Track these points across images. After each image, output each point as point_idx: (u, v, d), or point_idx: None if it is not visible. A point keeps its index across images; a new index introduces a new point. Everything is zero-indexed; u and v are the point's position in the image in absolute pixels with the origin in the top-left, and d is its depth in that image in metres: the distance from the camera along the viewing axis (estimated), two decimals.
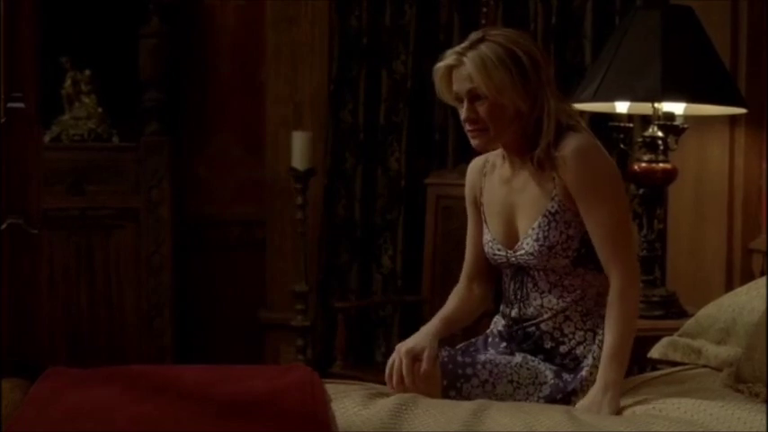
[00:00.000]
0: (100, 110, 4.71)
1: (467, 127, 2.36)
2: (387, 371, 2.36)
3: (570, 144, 2.30)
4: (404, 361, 2.31)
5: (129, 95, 4.59)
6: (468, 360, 2.35)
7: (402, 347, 2.36)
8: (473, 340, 2.53)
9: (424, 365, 2.31)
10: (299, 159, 4.33)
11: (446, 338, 2.46)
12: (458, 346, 2.48)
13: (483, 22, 4.18)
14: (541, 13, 4.06)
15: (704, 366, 2.62)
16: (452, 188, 4.01)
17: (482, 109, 2.30)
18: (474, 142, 2.37)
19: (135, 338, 4.59)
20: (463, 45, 2.32)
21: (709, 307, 2.75)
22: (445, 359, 2.34)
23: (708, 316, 2.71)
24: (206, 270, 4.80)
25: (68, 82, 4.67)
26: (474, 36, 2.32)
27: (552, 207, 2.34)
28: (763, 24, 3.50)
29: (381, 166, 4.51)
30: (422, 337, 2.38)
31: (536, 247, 2.34)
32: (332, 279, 4.60)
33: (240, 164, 4.86)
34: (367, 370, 4.04)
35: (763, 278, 2.73)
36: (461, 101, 2.33)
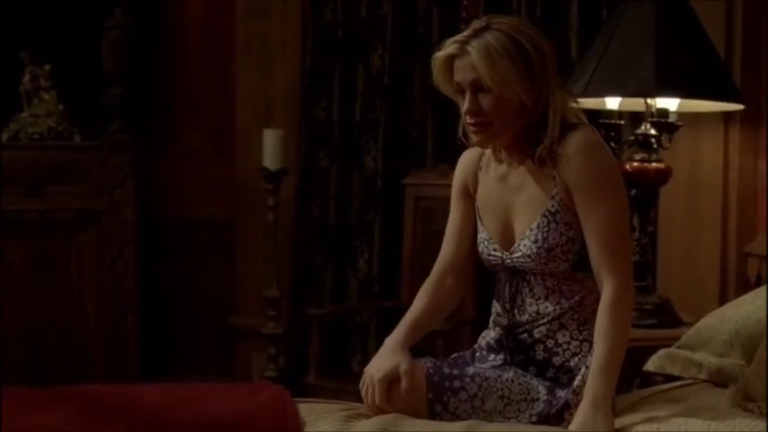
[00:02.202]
0: (60, 107, 4.65)
1: (468, 120, 2.26)
2: (363, 395, 2.26)
3: (574, 141, 2.22)
4: (377, 389, 2.22)
5: (91, 91, 4.56)
6: (455, 372, 2.26)
7: (374, 374, 2.25)
8: (460, 353, 2.43)
9: (404, 385, 2.22)
10: (270, 158, 4.28)
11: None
12: (447, 359, 2.40)
13: (463, 14, 4.13)
14: (525, 5, 3.99)
15: (705, 381, 2.54)
16: (432, 188, 4.01)
17: (485, 101, 2.22)
18: (476, 138, 2.28)
19: (98, 347, 4.54)
20: (466, 33, 2.24)
21: (709, 317, 2.67)
22: (430, 370, 2.25)
23: (709, 327, 2.62)
24: (173, 275, 4.78)
25: (27, 77, 4.62)
26: (477, 24, 2.24)
27: (552, 207, 2.25)
28: (758, 19, 3.47)
29: (357, 166, 4.45)
30: (390, 354, 2.27)
31: (534, 249, 2.26)
32: (305, 284, 4.55)
33: (209, 163, 4.84)
34: (343, 380, 3.97)
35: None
36: (462, 92, 2.26)
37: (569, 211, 2.24)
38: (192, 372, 4.60)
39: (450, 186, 4.26)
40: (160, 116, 4.80)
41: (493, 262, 2.34)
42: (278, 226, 4.39)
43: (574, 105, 2.28)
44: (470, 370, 2.27)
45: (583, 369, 2.24)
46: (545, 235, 2.24)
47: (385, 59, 4.35)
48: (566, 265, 2.25)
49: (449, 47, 2.24)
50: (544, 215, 2.25)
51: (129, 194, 4.51)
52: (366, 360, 4.24)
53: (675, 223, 3.62)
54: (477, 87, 2.22)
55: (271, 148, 4.28)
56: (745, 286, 3.41)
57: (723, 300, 3.45)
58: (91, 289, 4.53)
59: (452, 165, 4.02)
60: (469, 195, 2.40)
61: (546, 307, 2.28)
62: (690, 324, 3.14)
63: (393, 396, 2.22)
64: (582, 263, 2.25)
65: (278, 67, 4.67)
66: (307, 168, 4.54)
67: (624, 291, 2.19)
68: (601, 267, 2.20)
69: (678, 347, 2.65)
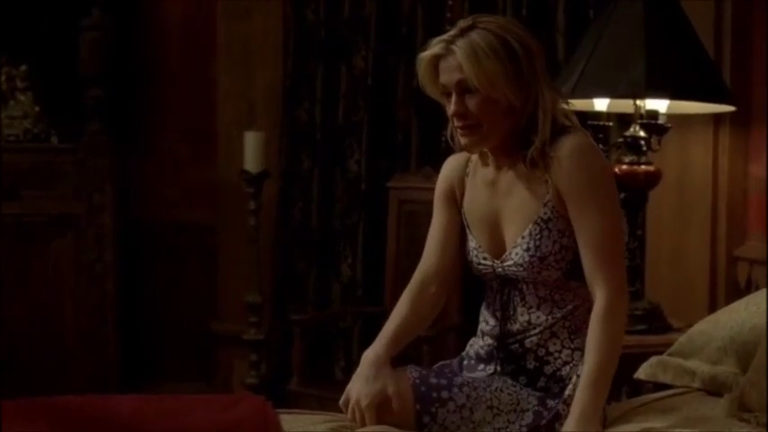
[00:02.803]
0: (37, 108, 4.63)
1: (455, 123, 2.21)
2: (349, 418, 2.19)
3: (567, 144, 2.17)
4: (367, 416, 2.15)
5: (68, 92, 4.54)
6: (443, 382, 2.19)
7: (360, 400, 2.17)
8: (445, 362, 2.38)
9: (395, 406, 2.15)
10: (251, 161, 4.27)
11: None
12: (433, 367, 2.34)
13: (448, 14, 4.10)
14: (511, 5, 3.96)
15: (698, 389, 2.48)
16: (416, 192, 3.97)
17: (472, 103, 2.17)
18: (464, 141, 2.22)
19: (76, 353, 4.51)
20: (451, 33, 2.19)
21: (702, 324, 2.62)
22: (417, 381, 2.18)
23: (702, 334, 2.57)
24: (153, 279, 4.77)
25: (2, 78, 4.61)
26: (463, 23, 2.19)
27: (545, 214, 2.19)
28: (747, 19, 3.43)
29: (340, 169, 4.43)
30: (374, 376, 2.18)
31: (526, 258, 2.20)
32: (287, 289, 4.54)
33: (189, 166, 4.83)
34: (326, 387, 3.91)
35: (762, 291, 2.59)
36: (449, 94, 2.21)
37: (562, 218, 2.18)
38: (172, 378, 4.61)
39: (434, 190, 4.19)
40: (139, 118, 4.78)
41: (483, 271, 2.29)
42: (259, 230, 4.38)
43: (564, 107, 2.23)
44: (458, 379, 2.21)
45: (574, 378, 2.19)
46: (537, 243, 2.18)
47: (368, 60, 4.34)
48: (558, 273, 2.20)
49: (434, 47, 2.19)
50: (536, 223, 2.19)
51: (107, 198, 4.48)
52: (349, 366, 4.33)
53: (664, 227, 3.58)
54: (463, 88, 2.17)
55: (252, 150, 4.27)
56: (734, 291, 3.38)
57: (712, 305, 3.44)
58: (69, 294, 4.49)
59: (437, 168, 4.00)
60: (455, 201, 2.34)
61: (538, 316, 2.22)
62: (680, 330, 3.13)
63: (380, 413, 2.15)
64: (575, 271, 2.20)
65: (259, 68, 4.66)
66: (289, 171, 4.52)
67: (617, 300, 2.14)
68: (593, 276, 2.15)
69: (670, 355, 2.60)
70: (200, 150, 4.79)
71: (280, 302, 4.52)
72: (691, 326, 3.21)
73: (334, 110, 4.42)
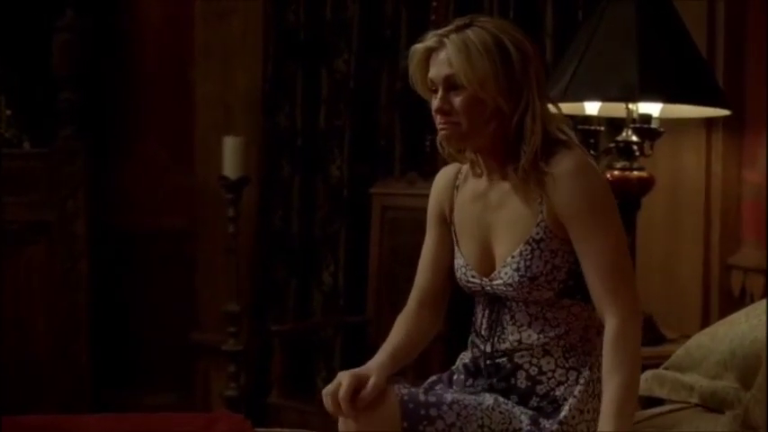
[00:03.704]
0: (8, 112, 4.58)
1: (437, 119, 2.14)
2: (324, 394, 2.10)
3: (563, 162, 2.09)
4: (343, 384, 2.06)
5: (41, 96, 4.51)
6: (432, 400, 2.11)
7: (345, 373, 2.11)
8: (435, 378, 2.30)
9: (365, 391, 2.06)
10: (230, 167, 4.25)
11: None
12: (424, 384, 2.26)
13: (432, 17, 4.08)
14: (497, 7, 3.93)
15: (696, 405, 2.42)
16: (400, 198, 3.97)
17: (458, 100, 2.10)
18: (442, 134, 2.15)
19: (49, 366, 4.44)
20: (447, 28, 2.14)
21: (700, 336, 2.56)
22: (405, 398, 2.10)
23: (700, 347, 2.50)
24: (129, 289, 4.72)
25: None
26: (460, 21, 2.13)
27: (537, 234, 2.11)
28: (741, 20, 3.40)
29: (321, 175, 4.39)
30: (368, 367, 2.14)
31: (516, 278, 2.12)
32: (267, 298, 4.50)
33: (167, 172, 4.80)
34: (307, 399, 3.94)
35: (762, 302, 2.51)
36: (436, 91, 2.14)
37: (555, 238, 2.10)
38: (149, 390, 4.58)
39: (419, 196, 4.17)
40: (115, 122, 4.74)
41: (472, 288, 2.22)
42: (238, 238, 4.35)
43: (560, 120, 2.15)
44: (448, 397, 2.13)
45: (571, 399, 2.11)
46: (528, 263, 2.10)
47: (350, 63, 4.30)
48: (550, 293, 2.12)
49: (428, 40, 2.13)
50: (528, 242, 2.11)
51: (81, 204, 4.45)
52: (331, 378, 4.22)
53: (655, 234, 3.53)
54: (450, 84, 2.10)
55: (231, 156, 4.25)
56: (728, 301, 3.35)
57: (705, 315, 3.41)
58: (41, 304, 4.45)
59: (421, 173, 4.07)
60: (445, 221, 2.28)
61: (529, 335, 2.14)
62: (674, 341, 3.14)
63: (362, 418, 2.06)
64: (568, 290, 2.12)
65: (238, 72, 4.65)
66: (269, 177, 4.50)
67: (629, 324, 2.05)
68: (603, 302, 2.07)
69: (667, 368, 2.55)
70: (178, 156, 4.76)
71: (259, 312, 4.49)
72: (685, 337, 3.19)
73: (315, 114, 4.39)
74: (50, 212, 4.43)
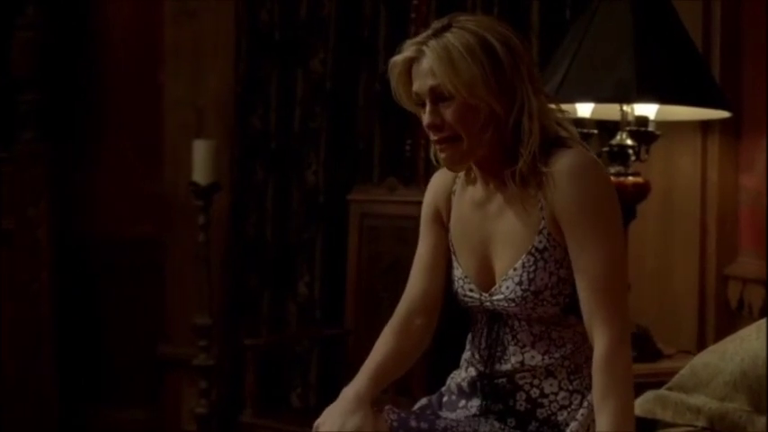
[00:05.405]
0: None
1: (432, 137, 2.02)
2: None
3: (563, 160, 1.96)
4: None
5: (1, 97, 4.44)
6: (424, 426, 2.02)
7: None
8: (425, 401, 2.19)
9: None
10: (201, 172, 4.21)
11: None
12: (414, 408, 2.17)
13: (413, 15, 4.02)
14: (480, 5, 3.86)
15: (703, 429, 2.33)
16: (379, 205, 3.91)
17: (448, 112, 1.99)
18: (443, 156, 2.02)
19: (11, 382, 4.34)
20: (425, 34, 2.02)
21: (706, 354, 2.44)
22: (395, 423, 2.00)
23: (707, 366, 2.38)
24: (94, 299, 4.64)
25: None
26: (438, 23, 2.02)
27: (540, 243, 1.98)
28: (737, 20, 3.34)
29: (296, 180, 4.33)
30: (351, 411, 1.99)
31: (518, 292, 1.99)
32: (240, 310, 4.45)
33: (134, 177, 4.73)
34: (282, 417, 3.85)
35: None
36: (423, 104, 2.02)
37: (559, 247, 1.97)
38: (116, 406, 4.55)
39: (399, 203, 4.03)
40: (80, 125, 4.66)
41: (469, 303, 2.09)
42: (209, 246, 4.31)
43: (559, 115, 2.03)
44: (441, 423, 2.03)
45: (573, 424, 1.98)
46: (531, 276, 1.97)
47: (327, 64, 4.24)
48: (556, 309, 1.99)
49: (406, 50, 2.01)
50: (530, 253, 1.98)
51: (43, 212, 4.38)
52: (306, 394, 4.16)
53: (648, 242, 3.47)
54: (437, 95, 1.98)
55: (201, 160, 4.21)
56: (725, 312, 3.30)
57: (701, 328, 3.34)
58: (1, 318, 4.36)
59: (401, 179, 3.94)
60: (442, 222, 2.15)
61: (532, 357, 2.02)
62: (671, 357, 3.11)
63: None
64: (574, 305, 1.99)
65: (209, 72, 4.60)
66: (241, 183, 4.45)
67: (621, 341, 1.94)
68: (592, 319, 1.95)
69: (670, 389, 2.43)
70: (146, 160, 4.70)
71: (231, 325, 4.44)
72: (683, 352, 3.08)
73: (289, 117, 4.33)
74: (11, 220, 4.37)
